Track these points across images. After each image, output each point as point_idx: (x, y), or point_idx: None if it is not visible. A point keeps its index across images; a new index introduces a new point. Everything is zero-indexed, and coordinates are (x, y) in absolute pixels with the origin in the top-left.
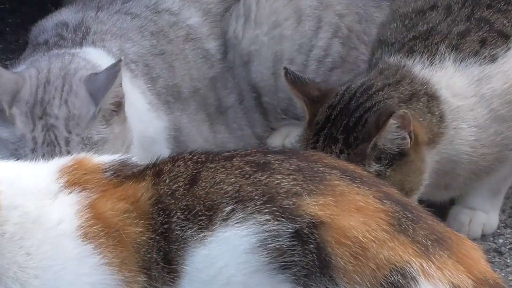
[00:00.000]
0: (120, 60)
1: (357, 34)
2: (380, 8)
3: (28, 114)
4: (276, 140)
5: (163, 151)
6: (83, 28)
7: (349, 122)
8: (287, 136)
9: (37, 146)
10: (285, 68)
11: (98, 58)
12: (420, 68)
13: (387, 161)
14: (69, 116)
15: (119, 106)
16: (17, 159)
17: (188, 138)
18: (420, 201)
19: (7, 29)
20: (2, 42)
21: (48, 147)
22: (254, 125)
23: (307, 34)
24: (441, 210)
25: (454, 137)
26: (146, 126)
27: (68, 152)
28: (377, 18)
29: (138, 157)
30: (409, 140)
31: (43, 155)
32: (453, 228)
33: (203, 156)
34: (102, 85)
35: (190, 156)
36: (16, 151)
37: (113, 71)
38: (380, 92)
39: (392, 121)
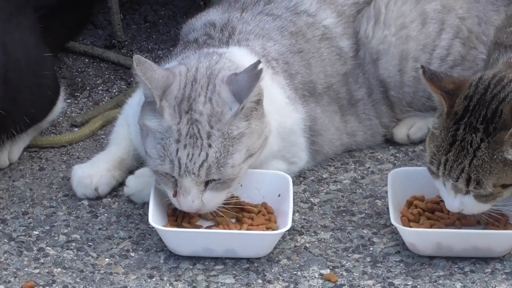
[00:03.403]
0: (259, 62)
1: (477, 35)
2: (498, 12)
3: (176, 108)
4: (402, 130)
5: (299, 140)
6: (229, 28)
7: (487, 113)
8: (412, 126)
9: (181, 137)
10: (422, 66)
11: (241, 57)
12: None
13: None
14: (212, 112)
15: (258, 103)
16: (162, 147)
17: (322, 127)
18: None
19: (160, 21)
20: (155, 33)
21: (191, 139)
22: (381, 116)
23: (431, 35)
24: None
25: None
26: (284, 118)
27: (209, 145)
28: (495, 21)
29: (277, 145)
30: None
31: (185, 146)
32: None
33: None
34: (246, 85)
35: None
36: (162, 140)
37: (256, 72)
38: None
39: None
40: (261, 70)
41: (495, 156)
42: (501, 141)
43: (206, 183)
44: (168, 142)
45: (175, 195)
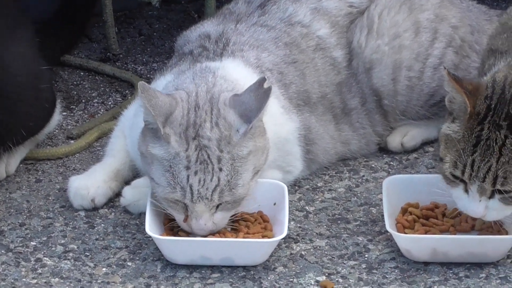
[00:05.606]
0: (264, 79)
1: (470, 44)
2: (491, 21)
3: (182, 135)
4: (395, 139)
5: (294, 149)
6: (223, 39)
7: (509, 110)
8: (405, 135)
9: (191, 163)
10: (445, 67)
11: (235, 71)
12: None
13: None
14: (221, 137)
15: (261, 119)
16: (171, 175)
17: (317, 136)
18: None
19: (154, 34)
20: (149, 46)
21: (201, 165)
22: (375, 125)
23: (424, 44)
24: None
25: None
26: (279, 128)
27: (220, 169)
28: (488, 29)
29: (272, 155)
30: None
31: (196, 172)
32: None
33: None
34: (255, 105)
35: None
36: (170, 168)
37: (264, 91)
38: None
39: None
40: (269, 88)
41: None
42: None
43: (217, 205)
44: (177, 169)
45: (185, 220)
